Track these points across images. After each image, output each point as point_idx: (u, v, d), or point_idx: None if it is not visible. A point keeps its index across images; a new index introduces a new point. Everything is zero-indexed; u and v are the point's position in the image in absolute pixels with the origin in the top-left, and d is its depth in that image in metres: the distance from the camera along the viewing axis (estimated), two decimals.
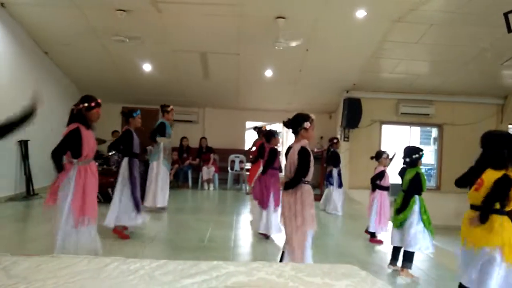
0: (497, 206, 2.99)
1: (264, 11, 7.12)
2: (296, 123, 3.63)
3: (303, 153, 3.53)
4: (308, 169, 3.56)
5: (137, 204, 5.24)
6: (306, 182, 3.60)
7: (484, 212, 2.97)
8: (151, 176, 6.84)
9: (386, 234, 5.97)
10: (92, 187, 3.82)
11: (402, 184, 4.61)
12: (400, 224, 4.46)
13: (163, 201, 6.95)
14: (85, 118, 3.79)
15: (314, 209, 3.66)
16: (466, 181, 3.28)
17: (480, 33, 7.55)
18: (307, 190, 3.60)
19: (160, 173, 6.86)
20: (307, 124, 3.59)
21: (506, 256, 2.90)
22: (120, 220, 5.19)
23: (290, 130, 3.73)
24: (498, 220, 2.95)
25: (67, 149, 3.71)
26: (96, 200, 3.94)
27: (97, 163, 7.46)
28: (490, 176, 3.01)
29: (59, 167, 3.69)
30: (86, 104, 3.77)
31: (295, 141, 3.71)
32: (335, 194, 8.00)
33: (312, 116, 3.67)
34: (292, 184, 3.58)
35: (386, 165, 6.07)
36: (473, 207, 3.12)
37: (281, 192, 3.93)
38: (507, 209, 2.99)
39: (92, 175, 3.83)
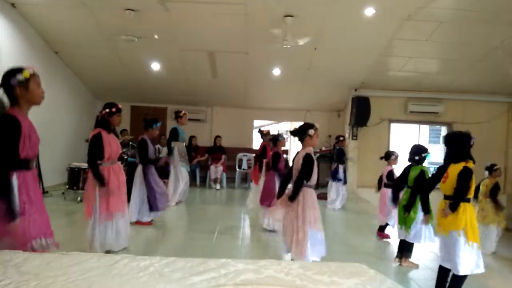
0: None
1: (272, 9, 7.11)
2: (301, 132, 3.98)
3: (308, 160, 3.87)
4: (311, 174, 3.89)
5: (151, 205, 5.78)
6: (308, 186, 3.91)
7: (454, 202, 3.44)
8: (170, 179, 7.44)
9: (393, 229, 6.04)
10: (116, 185, 4.14)
11: (407, 181, 4.77)
12: (408, 225, 4.62)
13: (184, 195, 7.66)
14: (108, 123, 4.18)
15: (318, 210, 3.94)
16: (432, 183, 3.91)
17: (490, 31, 7.47)
18: (308, 193, 3.90)
19: (178, 174, 7.41)
20: (311, 132, 3.94)
21: (469, 236, 3.39)
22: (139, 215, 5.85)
23: (297, 138, 4.09)
24: (462, 206, 3.43)
25: (97, 152, 4.06)
26: (124, 197, 4.34)
27: None
28: (453, 169, 3.52)
29: (98, 177, 4.01)
30: (107, 110, 4.16)
31: (302, 148, 4.05)
32: (337, 189, 8.35)
33: (317, 125, 4.03)
34: (296, 187, 3.88)
35: (394, 165, 6.18)
36: (445, 197, 3.59)
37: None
38: (469, 196, 3.48)
39: (115, 176, 4.16)
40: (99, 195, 4.03)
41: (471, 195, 3.51)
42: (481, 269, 3.47)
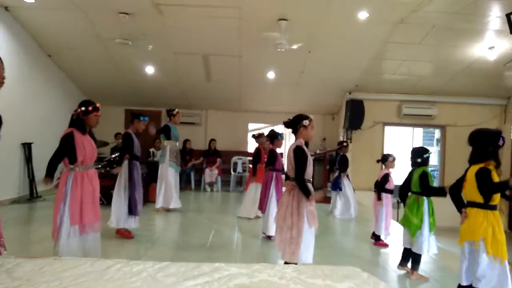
0: (480, 200, 3.10)
1: (266, 13, 7.13)
2: (295, 122, 3.73)
3: (298, 152, 3.61)
4: (304, 168, 3.61)
5: (131, 207, 5.28)
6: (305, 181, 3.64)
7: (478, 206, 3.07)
8: (159, 179, 7.13)
9: (391, 237, 5.99)
10: (89, 194, 3.67)
11: (410, 185, 4.59)
12: (413, 232, 4.41)
13: (176, 202, 7.23)
14: (83, 123, 3.71)
15: (314, 206, 3.68)
16: (459, 184, 3.34)
17: (483, 33, 7.55)
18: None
19: (168, 175, 7.09)
20: (306, 122, 3.69)
21: (488, 248, 2.98)
22: (119, 223, 5.30)
23: (291, 131, 3.82)
24: (482, 214, 3.06)
25: (63, 155, 3.65)
26: (97, 207, 3.77)
27: (100, 165, 7.59)
28: (471, 171, 3.17)
29: (48, 172, 3.65)
30: (83, 108, 3.68)
31: (294, 141, 3.80)
32: (347, 197, 7.89)
33: (311, 116, 3.79)
34: (299, 183, 3.58)
35: (391, 168, 6.01)
36: (467, 203, 3.22)
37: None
38: (492, 203, 3.07)
39: (89, 182, 3.68)
40: (69, 205, 3.53)
41: (494, 202, 3.09)
42: None
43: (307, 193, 3.55)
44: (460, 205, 3.32)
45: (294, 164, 3.61)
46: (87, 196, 3.63)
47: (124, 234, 5.36)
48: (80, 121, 3.70)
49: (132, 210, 5.27)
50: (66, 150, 3.63)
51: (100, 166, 7.65)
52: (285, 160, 4.57)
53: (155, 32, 7.83)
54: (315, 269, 2.33)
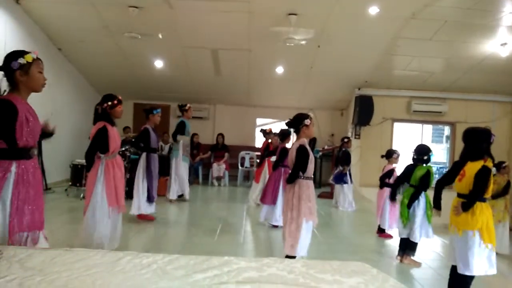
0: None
1: (276, 7, 7.10)
2: (297, 121, 3.93)
3: (301, 151, 3.84)
4: (306, 166, 3.84)
5: (149, 195, 5.85)
6: (303, 177, 3.88)
7: (469, 201, 3.32)
8: (174, 173, 7.39)
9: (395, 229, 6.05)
10: (120, 179, 4.06)
11: (409, 179, 4.80)
12: (406, 219, 4.70)
13: (186, 193, 7.63)
14: (110, 116, 4.04)
15: (314, 202, 3.93)
16: (449, 178, 3.65)
17: (495, 29, 7.44)
18: (304, 185, 3.87)
19: (180, 168, 7.39)
20: (307, 121, 3.90)
21: (484, 237, 3.30)
22: (140, 209, 5.88)
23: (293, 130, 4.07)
24: (479, 206, 3.32)
25: (99, 147, 3.94)
26: (124, 191, 4.21)
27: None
28: (470, 167, 3.38)
29: (88, 166, 3.97)
30: (110, 103, 4.02)
31: (296, 139, 4.00)
32: (348, 191, 8.13)
33: (311, 114, 4.00)
34: (290, 179, 3.88)
35: (395, 163, 6.17)
36: (459, 195, 3.46)
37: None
38: (486, 196, 3.36)
39: (119, 169, 4.05)
40: (106, 189, 3.89)
41: (488, 195, 3.40)
42: (494, 270, 3.38)
43: (288, 181, 3.89)
44: (439, 199, 3.72)
45: (294, 161, 3.87)
46: (119, 180, 4.03)
47: (147, 217, 5.99)
48: (107, 114, 4.03)
49: (150, 198, 5.85)
50: (101, 143, 3.92)
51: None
52: None
53: (164, 26, 7.84)
54: (324, 264, 2.34)
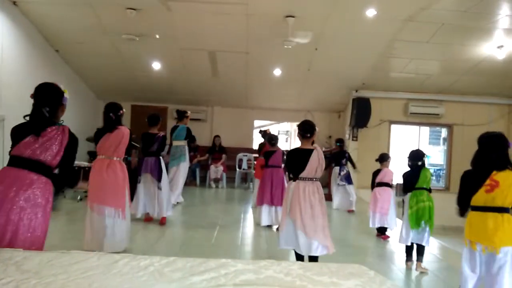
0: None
1: (273, 10, 7.11)
2: (313, 128, 4.04)
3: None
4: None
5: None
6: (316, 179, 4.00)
7: None
8: (181, 177, 7.43)
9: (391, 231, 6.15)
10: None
11: (418, 183, 4.67)
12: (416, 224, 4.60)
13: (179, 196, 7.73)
14: (121, 122, 4.60)
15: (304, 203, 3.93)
16: (476, 188, 3.11)
17: (492, 32, 7.48)
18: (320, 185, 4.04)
19: (185, 173, 7.57)
20: (317, 129, 4.11)
21: None
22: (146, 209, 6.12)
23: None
24: (508, 219, 2.97)
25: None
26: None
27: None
28: (503, 176, 2.99)
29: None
30: (121, 111, 4.59)
31: (304, 144, 4.04)
32: (352, 190, 8.41)
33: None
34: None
35: (386, 167, 6.33)
36: (485, 208, 3.04)
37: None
38: None
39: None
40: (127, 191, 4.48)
41: None
42: None
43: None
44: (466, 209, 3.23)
45: (323, 166, 3.96)
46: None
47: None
48: (120, 120, 4.56)
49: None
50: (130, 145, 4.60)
51: None
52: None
53: (162, 28, 7.83)
54: (321, 266, 2.34)
